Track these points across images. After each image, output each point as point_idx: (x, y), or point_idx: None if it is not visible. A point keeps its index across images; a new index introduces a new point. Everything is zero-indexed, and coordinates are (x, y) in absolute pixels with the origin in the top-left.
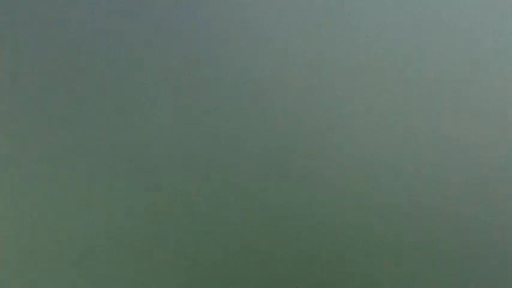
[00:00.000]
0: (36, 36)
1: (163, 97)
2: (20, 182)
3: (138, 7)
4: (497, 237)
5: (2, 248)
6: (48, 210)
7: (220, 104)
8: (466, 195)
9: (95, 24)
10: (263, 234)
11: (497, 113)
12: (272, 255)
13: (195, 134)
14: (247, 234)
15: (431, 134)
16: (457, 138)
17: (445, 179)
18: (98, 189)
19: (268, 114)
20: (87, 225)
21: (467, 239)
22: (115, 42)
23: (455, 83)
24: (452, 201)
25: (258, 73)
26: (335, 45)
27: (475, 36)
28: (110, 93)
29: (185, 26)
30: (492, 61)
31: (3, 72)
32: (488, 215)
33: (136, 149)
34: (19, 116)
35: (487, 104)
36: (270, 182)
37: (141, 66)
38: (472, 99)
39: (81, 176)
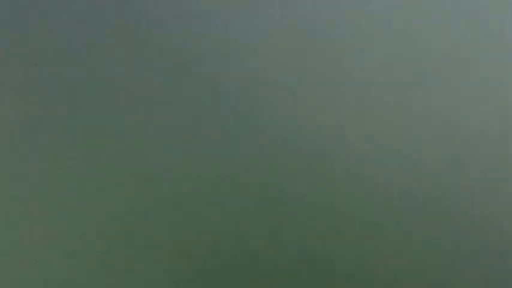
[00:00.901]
0: (35, 36)
1: (163, 97)
2: (18, 182)
3: (138, 7)
4: (497, 234)
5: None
6: (47, 210)
7: (220, 103)
8: (465, 191)
9: (95, 24)
10: (263, 234)
11: (496, 111)
12: (272, 255)
13: (195, 134)
14: (247, 234)
15: (433, 131)
16: (458, 135)
17: (448, 175)
18: (98, 188)
19: (268, 112)
20: (84, 224)
21: (467, 236)
22: (114, 42)
23: (454, 81)
24: (453, 198)
25: (257, 72)
26: (335, 44)
27: (475, 35)
28: (109, 92)
29: (185, 25)
30: (492, 60)
31: (3, 72)
32: (490, 213)
33: (136, 148)
34: (19, 116)
35: (486, 102)
36: (270, 181)
37: (140, 66)
38: (472, 97)
39: (81, 175)
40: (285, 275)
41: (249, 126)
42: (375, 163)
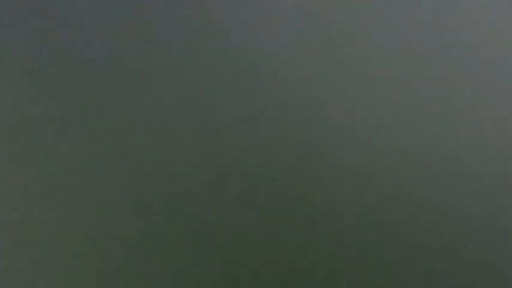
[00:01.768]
0: (34, 36)
1: (164, 97)
2: (17, 181)
3: (138, 7)
4: (496, 233)
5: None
6: (46, 209)
7: (220, 103)
8: (465, 188)
9: (95, 24)
10: (264, 234)
11: (496, 110)
12: (273, 255)
13: (195, 134)
14: (247, 233)
15: (434, 130)
16: (458, 134)
17: (446, 173)
18: (97, 188)
19: (267, 111)
20: (84, 224)
21: (466, 234)
22: (115, 41)
23: (454, 80)
24: (452, 195)
25: (257, 72)
26: (334, 45)
27: (474, 35)
28: (109, 92)
29: (185, 24)
30: (491, 60)
31: (3, 72)
32: (490, 211)
33: (135, 147)
34: (19, 116)
35: (486, 101)
36: (269, 180)
37: (140, 66)
38: (471, 96)
39: (80, 175)
40: (285, 275)
41: (249, 125)
42: (375, 164)
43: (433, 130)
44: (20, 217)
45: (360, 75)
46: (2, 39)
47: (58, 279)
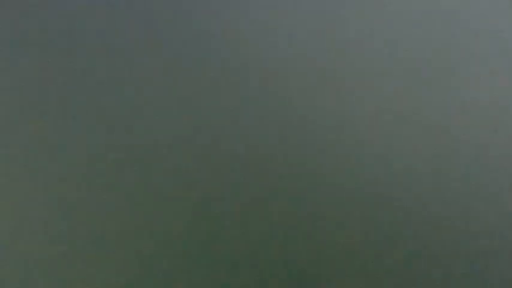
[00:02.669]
0: (33, 37)
1: (163, 98)
2: (16, 178)
3: (137, 8)
4: (497, 236)
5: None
6: (47, 209)
7: (219, 102)
8: (464, 192)
9: (93, 24)
10: (264, 234)
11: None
12: (273, 255)
13: (194, 134)
14: (246, 234)
15: (434, 131)
16: (458, 134)
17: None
18: (96, 187)
19: (266, 111)
20: (84, 223)
21: (465, 236)
22: (115, 40)
23: (454, 80)
24: (450, 198)
25: (255, 71)
26: (334, 44)
27: (474, 34)
28: (108, 92)
29: (185, 24)
30: (490, 59)
31: (3, 71)
32: (490, 215)
33: (134, 147)
34: (18, 116)
35: (486, 101)
36: (269, 179)
37: (138, 66)
38: (471, 96)
39: (82, 175)
40: (285, 275)
41: (249, 125)
42: (375, 165)
43: (432, 132)
44: (20, 216)
45: (360, 76)
46: (2, 39)
47: (57, 280)
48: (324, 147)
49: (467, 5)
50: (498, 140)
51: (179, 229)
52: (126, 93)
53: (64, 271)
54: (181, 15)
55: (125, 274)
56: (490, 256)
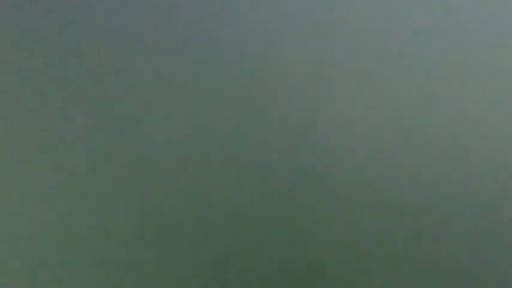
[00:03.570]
0: (33, 36)
1: (163, 97)
2: (18, 179)
3: (137, 8)
4: (496, 237)
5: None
6: (47, 209)
7: (218, 103)
8: (462, 192)
9: (96, 23)
10: (264, 235)
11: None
12: (273, 255)
13: (194, 134)
14: (247, 233)
15: (433, 132)
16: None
17: (445, 178)
18: (96, 188)
19: (265, 111)
20: (84, 224)
21: (466, 239)
22: (116, 41)
23: (453, 82)
24: (450, 199)
25: (256, 72)
26: (333, 45)
27: (474, 35)
28: (107, 92)
29: (185, 25)
30: (490, 60)
31: (3, 71)
32: (489, 215)
33: (134, 146)
34: (17, 115)
35: (487, 102)
36: (272, 181)
37: (138, 66)
38: (472, 97)
39: (82, 175)
40: (284, 276)
41: (251, 126)
42: (375, 167)
43: (433, 136)
44: (21, 215)
45: (360, 78)
46: (2, 39)
47: (58, 279)
48: (324, 148)
49: (468, 5)
50: (498, 141)
51: (179, 230)
52: (126, 93)
53: (64, 271)
54: (181, 16)
55: (126, 274)
56: (490, 256)
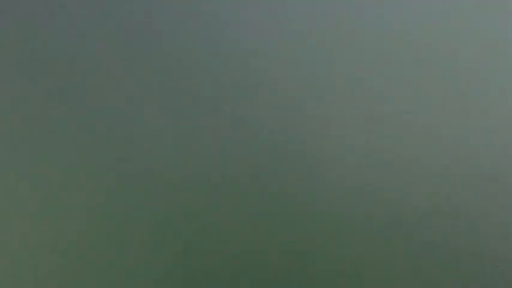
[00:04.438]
0: (32, 36)
1: (163, 98)
2: (17, 180)
3: (136, 9)
4: (498, 237)
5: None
6: (45, 207)
7: (217, 104)
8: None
9: (96, 24)
10: (264, 235)
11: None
12: (272, 256)
13: (195, 135)
14: (247, 235)
15: (432, 133)
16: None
17: (445, 178)
18: (99, 188)
19: (264, 112)
20: (85, 224)
21: (468, 238)
22: (114, 42)
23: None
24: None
25: (256, 73)
26: (332, 45)
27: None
28: (108, 92)
29: (184, 26)
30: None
31: (2, 71)
32: (491, 215)
33: (134, 146)
34: (16, 115)
35: (487, 103)
36: (270, 183)
37: (137, 66)
38: (472, 98)
39: (83, 175)
40: (283, 276)
41: (249, 128)
42: (376, 170)
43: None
44: (18, 217)
45: (361, 81)
46: (1, 38)
47: (57, 279)
48: (324, 148)
49: (467, 6)
50: (498, 141)
51: (180, 232)
52: (125, 93)
53: (64, 271)
54: (181, 16)
55: (126, 274)
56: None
